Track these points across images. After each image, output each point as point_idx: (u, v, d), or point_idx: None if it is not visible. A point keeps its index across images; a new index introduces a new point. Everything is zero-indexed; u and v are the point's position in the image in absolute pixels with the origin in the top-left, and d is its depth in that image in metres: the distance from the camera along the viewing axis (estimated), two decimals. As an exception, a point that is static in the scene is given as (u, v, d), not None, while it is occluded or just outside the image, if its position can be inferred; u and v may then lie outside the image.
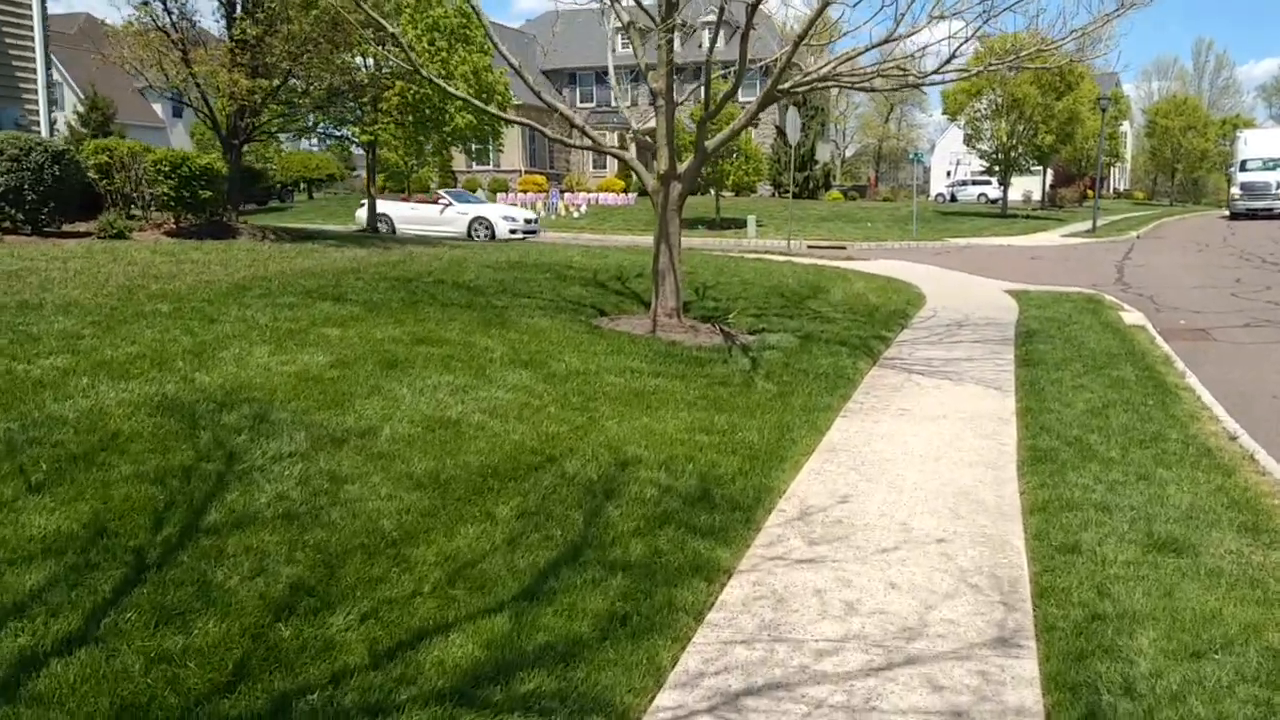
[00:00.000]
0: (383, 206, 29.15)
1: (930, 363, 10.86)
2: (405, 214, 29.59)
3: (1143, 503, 5.89)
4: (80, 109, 49.58)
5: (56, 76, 58.96)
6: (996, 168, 44.13)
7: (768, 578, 4.85)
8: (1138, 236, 35.71)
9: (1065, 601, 4.55)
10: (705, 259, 19.15)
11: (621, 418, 7.21)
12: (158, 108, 58.52)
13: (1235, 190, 45.06)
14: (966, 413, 8.48)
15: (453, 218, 29.32)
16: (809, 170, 49.81)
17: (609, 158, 55.72)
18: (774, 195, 50.30)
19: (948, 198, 64.01)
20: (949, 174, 74.73)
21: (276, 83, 16.05)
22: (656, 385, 8.35)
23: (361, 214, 29.01)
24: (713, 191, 39.26)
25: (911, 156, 45.89)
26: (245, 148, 17.68)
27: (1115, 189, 72.08)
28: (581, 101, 57.52)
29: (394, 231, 28.09)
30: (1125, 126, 71.57)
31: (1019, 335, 12.67)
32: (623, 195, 46.83)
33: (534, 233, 29.49)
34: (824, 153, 54.50)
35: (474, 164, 55.00)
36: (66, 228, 14.17)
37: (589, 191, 48.95)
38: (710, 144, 10.82)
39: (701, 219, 39.31)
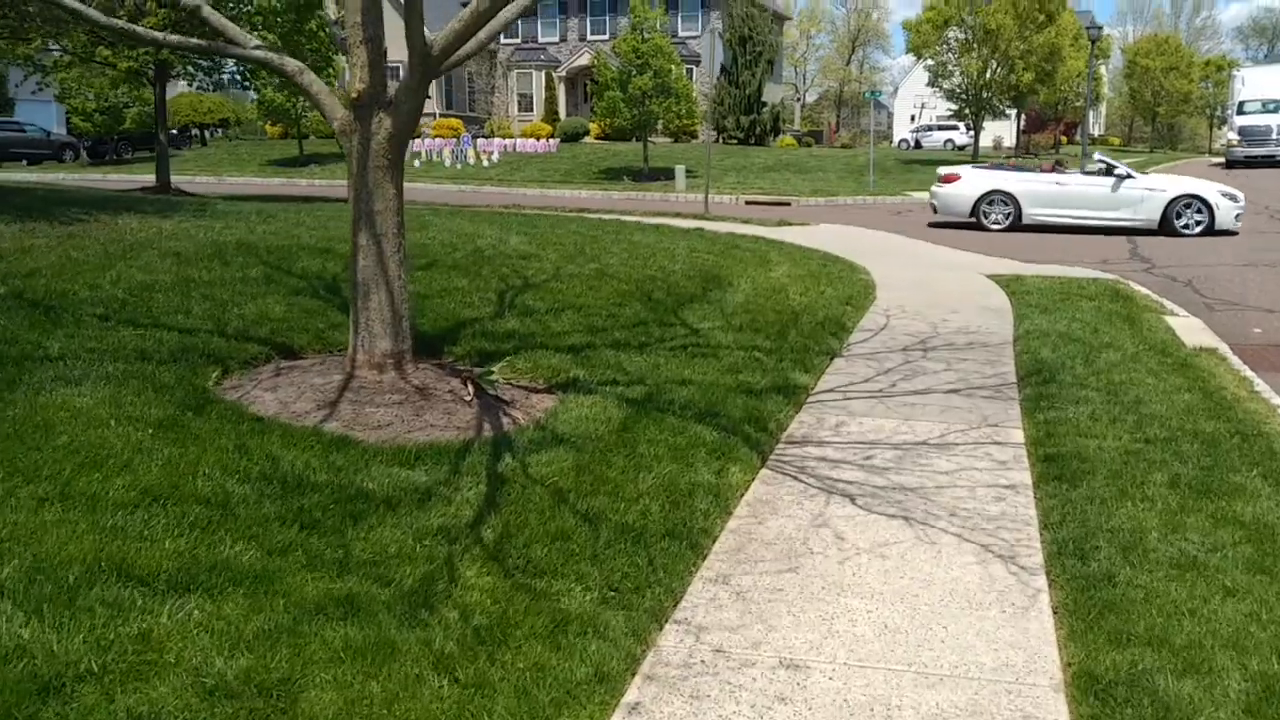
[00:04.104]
0: (996, 180, 19.04)
1: (869, 459, 5.70)
2: (1039, 191, 18.78)
3: None
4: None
5: None
6: (966, 110, 38.87)
7: None
8: (1130, 189, 30.69)
9: None
10: (577, 229, 13.82)
11: None
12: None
13: (1232, 135, 40.16)
14: (945, 689, 3.34)
15: (1135, 197, 18.30)
16: (756, 114, 44.29)
17: (536, 100, 49.93)
18: (718, 141, 44.80)
19: (912, 144, 58.69)
20: (913, 119, 69.39)
21: None
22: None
23: (949, 191, 19.42)
24: (642, 138, 33.71)
25: (868, 95, 40.53)
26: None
27: (1090, 134, 67.28)
28: (507, 37, 51.47)
29: (1019, 219, 18.63)
30: (1103, 68, 66.49)
31: (1023, 374, 7.55)
32: (544, 141, 41.17)
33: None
34: (773, 94, 48.92)
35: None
36: None
37: (510, 137, 43.22)
38: (438, 40, 5.50)
39: (628, 169, 33.92)
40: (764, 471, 5.46)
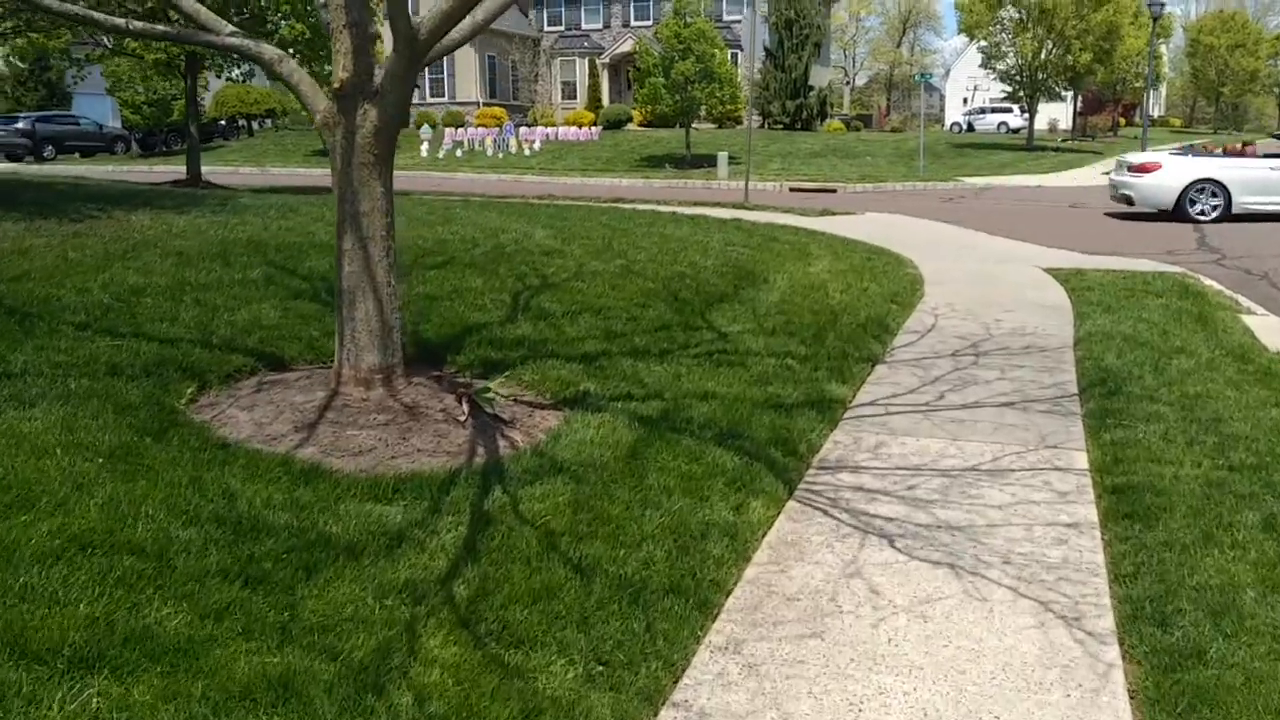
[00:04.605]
0: (1203, 168, 17.70)
1: (911, 489, 5.05)
2: (1251, 179, 17.51)
3: None
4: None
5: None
6: (1021, 92, 37.63)
7: None
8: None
9: None
10: (608, 221, 13.24)
11: None
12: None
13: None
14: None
15: None
16: (802, 98, 43.33)
17: (579, 87, 49.38)
18: (764, 126, 43.92)
19: (964, 127, 57.24)
20: (965, 101, 67.82)
21: None
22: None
23: (1150, 181, 17.71)
24: (685, 125, 32.93)
25: (918, 77, 39.40)
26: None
27: (1149, 115, 65.46)
28: (550, 25, 51.02)
29: (1229, 209, 17.34)
30: (1163, 47, 64.45)
31: (1086, 384, 6.84)
32: (586, 129, 40.59)
33: None
34: (820, 78, 47.87)
35: (428, 94, 48.81)
36: None
37: (552, 125, 42.72)
38: (425, 22, 4.92)
39: (670, 156, 33.28)
40: (791, 504, 4.83)
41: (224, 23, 5.22)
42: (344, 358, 5.30)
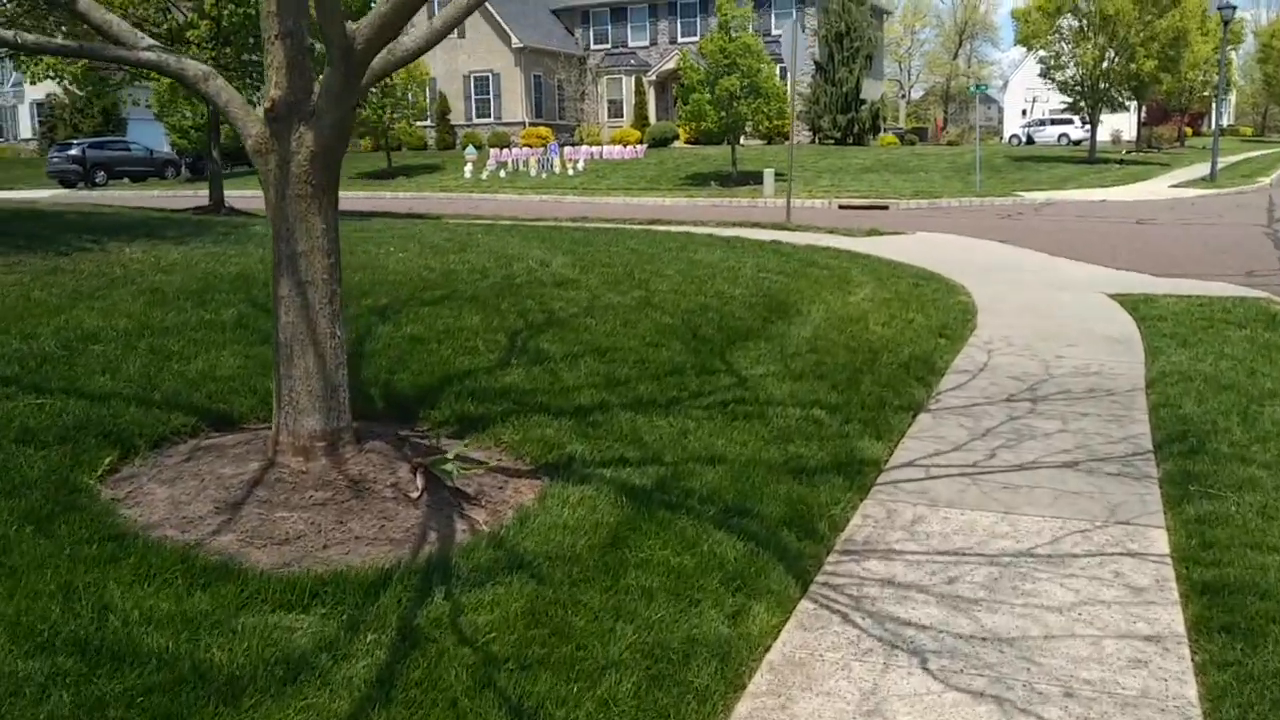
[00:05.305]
0: None
1: (952, 583, 4.15)
2: None
3: None
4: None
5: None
6: (1082, 103, 36.20)
7: None
8: (1272, 185, 27.97)
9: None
10: (635, 245, 12.42)
11: None
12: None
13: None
14: None
15: None
16: (854, 112, 42.26)
17: (625, 105, 48.81)
18: (814, 141, 42.94)
19: (1023, 139, 55.60)
20: (1024, 113, 66.09)
21: None
22: None
23: None
24: (731, 141, 32.05)
25: (972, 89, 38.15)
26: None
27: (1218, 124, 63.24)
28: (596, 43, 50.58)
29: None
30: (1232, 54, 62.32)
31: (1162, 439, 5.87)
32: (631, 147, 39.90)
33: None
34: (873, 91, 46.77)
35: (474, 115, 48.49)
36: None
37: (598, 144, 42.12)
38: (360, 29, 4.15)
39: (716, 174, 32.45)
40: (803, 605, 3.96)
41: (140, 35, 4.51)
42: (282, 422, 4.54)
